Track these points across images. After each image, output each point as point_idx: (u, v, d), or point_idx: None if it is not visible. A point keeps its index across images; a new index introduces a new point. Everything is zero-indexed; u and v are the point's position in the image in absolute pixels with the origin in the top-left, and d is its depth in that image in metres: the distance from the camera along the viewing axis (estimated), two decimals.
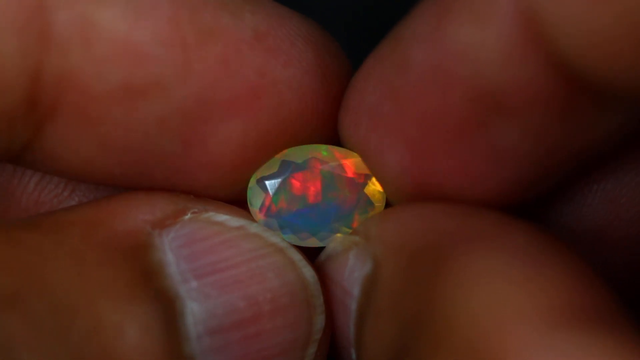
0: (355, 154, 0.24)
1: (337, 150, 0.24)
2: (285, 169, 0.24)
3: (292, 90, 0.23)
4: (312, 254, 0.24)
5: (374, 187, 0.24)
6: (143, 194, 0.23)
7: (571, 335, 0.17)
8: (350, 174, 0.24)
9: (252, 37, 0.23)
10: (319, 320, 0.23)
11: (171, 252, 0.22)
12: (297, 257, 0.23)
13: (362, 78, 0.23)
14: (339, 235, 0.24)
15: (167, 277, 0.22)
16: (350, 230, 0.24)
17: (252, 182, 0.24)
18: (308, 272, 0.23)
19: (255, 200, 0.24)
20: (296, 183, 0.24)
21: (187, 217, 0.23)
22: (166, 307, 0.21)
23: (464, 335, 0.18)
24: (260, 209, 0.24)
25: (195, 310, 0.22)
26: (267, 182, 0.24)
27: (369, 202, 0.24)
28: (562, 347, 0.17)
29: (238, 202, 0.24)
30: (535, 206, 0.25)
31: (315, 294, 0.23)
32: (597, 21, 0.18)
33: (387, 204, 0.24)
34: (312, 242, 0.24)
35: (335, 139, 0.24)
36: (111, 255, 0.21)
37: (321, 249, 0.24)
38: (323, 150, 0.24)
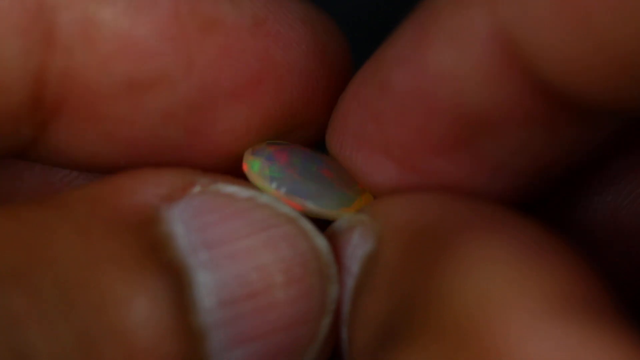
0: None
1: None
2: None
3: (292, 73, 0.23)
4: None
5: None
6: (150, 170, 0.23)
7: (567, 323, 0.17)
8: None
9: (252, 24, 0.23)
10: (333, 290, 0.23)
11: (182, 223, 0.22)
12: (309, 226, 0.23)
13: (346, 100, 0.23)
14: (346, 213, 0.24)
15: (175, 249, 0.21)
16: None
17: (248, 156, 0.24)
18: (321, 241, 0.23)
19: (257, 166, 0.24)
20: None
21: (195, 189, 0.23)
22: (175, 279, 0.21)
23: (454, 317, 0.18)
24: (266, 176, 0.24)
25: (206, 281, 0.21)
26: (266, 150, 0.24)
27: None
28: (557, 334, 0.17)
29: None
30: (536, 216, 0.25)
31: (328, 263, 0.23)
32: (575, 50, 0.18)
33: None
34: (318, 211, 0.24)
35: None
36: (117, 228, 0.21)
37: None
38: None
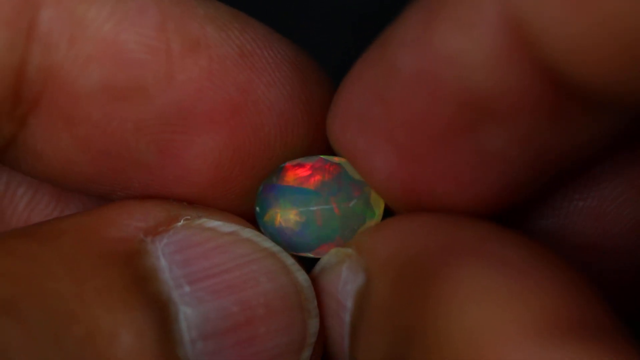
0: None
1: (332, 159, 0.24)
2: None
3: (272, 112, 0.23)
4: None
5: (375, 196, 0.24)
6: (136, 202, 0.23)
7: (558, 347, 0.17)
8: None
9: (237, 54, 0.23)
10: (313, 324, 0.23)
11: (164, 258, 0.22)
12: (290, 261, 0.23)
13: (351, 83, 0.23)
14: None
15: (160, 283, 0.22)
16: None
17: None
18: (301, 276, 0.23)
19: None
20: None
21: (179, 223, 0.23)
22: (160, 312, 0.21)
23: (455, 352, 0.18)
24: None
25: (188, 315, 0.22)
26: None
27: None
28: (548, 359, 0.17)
29: None
30: (523, 224, 0.25)
31: (308, 297, 0.23)
32: (579, 26, 0.18)
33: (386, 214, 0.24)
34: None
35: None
36: (105, 261, 0.21)
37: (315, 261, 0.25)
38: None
